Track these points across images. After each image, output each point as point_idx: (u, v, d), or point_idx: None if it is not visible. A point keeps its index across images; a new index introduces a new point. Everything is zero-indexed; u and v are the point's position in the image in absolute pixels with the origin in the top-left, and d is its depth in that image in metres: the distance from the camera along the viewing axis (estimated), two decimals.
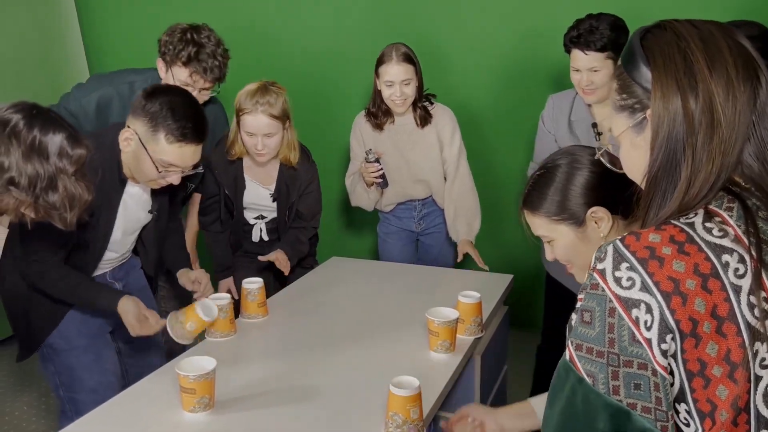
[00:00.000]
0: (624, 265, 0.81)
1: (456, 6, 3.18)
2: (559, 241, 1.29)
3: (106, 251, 1.94)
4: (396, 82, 2.44)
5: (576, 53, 2.14)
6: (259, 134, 2.24)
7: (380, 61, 2.48)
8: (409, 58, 2.47)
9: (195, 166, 1.85)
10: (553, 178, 1.28)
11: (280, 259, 2.37)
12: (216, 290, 2.48)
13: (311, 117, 3.26)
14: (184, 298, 2.48)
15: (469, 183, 2.63)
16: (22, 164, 1.40)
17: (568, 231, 1.27)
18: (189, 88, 2.18)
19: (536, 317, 2.69)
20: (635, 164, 0.92)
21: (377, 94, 2.53)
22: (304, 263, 2.57)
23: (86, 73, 3.66)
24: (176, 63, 2.20)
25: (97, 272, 2.00)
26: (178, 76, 2.21)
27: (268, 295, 2.09)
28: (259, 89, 2.24)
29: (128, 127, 1.80)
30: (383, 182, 2.57)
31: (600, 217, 1.23)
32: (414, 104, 2.53)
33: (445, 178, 2.63)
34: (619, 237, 0.84)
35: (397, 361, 1.71)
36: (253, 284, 2.01)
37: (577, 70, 2.16)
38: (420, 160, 2.59)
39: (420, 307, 1.92)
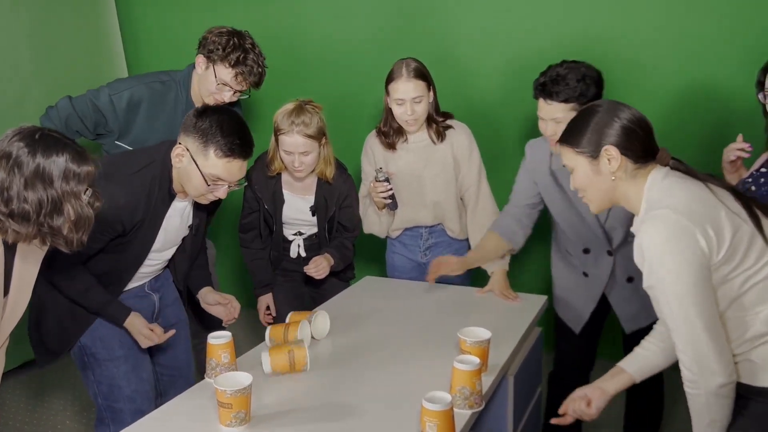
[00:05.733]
0: None
1: (476, 14, 3.13)
2: (578, 170, 1.54)
3: (145, 262, 2.02)
4: (407, 99, 2.31)
5: (540, 101, 2.06)
6: (296, 152, 2.31)
7: (390, 78, 2.35)
8: (421, 74, 2.32)
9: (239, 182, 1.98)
10: (581, 116, 1.53)
11: (317, 260, 2.40)
12: (256, 307, 2.55)
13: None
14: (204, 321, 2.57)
15: (492, 206, 2.48)
16: (24, 194, 1.36)
17: (586, 163, 1.51)
18: (225, 88, 2.33)
19: None
20: None
21: (388, 112, 2.41)
22: (342, 276, 2.61)
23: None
24: (223, 63, 2.32)
25: (136, 283, 2.08)
26: (220, 74, 2.33)
27: (305, 309, 2.13)
28: (295, 109, 2.30)
29: (179, 144, 1.90)
30: (392, 203, 2.43)
31: (611, 156, 1.47)
32: (429, 120, 2.41)
33: (461, 200, 2.50)
34: None
35: (429, 379, 1.72)
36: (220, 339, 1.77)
37: (542, 118, 2.08)
38: (433, 179, 2.45)
39: (453, 326, 1.93)
